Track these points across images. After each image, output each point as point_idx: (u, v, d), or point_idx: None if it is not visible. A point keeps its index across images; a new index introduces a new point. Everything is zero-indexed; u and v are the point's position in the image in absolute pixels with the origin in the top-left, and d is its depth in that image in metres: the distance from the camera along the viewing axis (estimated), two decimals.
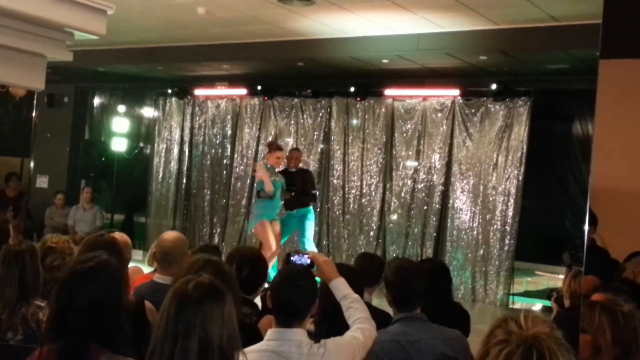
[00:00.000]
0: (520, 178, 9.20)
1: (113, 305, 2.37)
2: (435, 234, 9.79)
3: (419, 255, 9.63)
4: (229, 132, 11.59)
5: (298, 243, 8.89)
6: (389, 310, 3.45)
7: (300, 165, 9.28)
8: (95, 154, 11.97)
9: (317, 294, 2.77)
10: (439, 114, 9.86)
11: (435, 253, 9.66)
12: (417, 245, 9.89)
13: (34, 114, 8.33)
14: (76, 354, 2.27)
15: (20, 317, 3.26)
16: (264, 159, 9.24)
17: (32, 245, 3.57)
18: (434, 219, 9.79)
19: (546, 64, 8.80)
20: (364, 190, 10.34)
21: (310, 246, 8.70)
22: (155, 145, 12.24)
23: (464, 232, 9.54)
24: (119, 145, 11.76)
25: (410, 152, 10.08)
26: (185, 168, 11.98)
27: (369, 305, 3.28)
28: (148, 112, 12.83)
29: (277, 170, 8.63)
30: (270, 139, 10.90)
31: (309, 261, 2.99)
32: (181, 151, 12.00)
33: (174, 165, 12.04)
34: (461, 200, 9.60)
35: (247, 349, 2.33)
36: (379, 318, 3.13)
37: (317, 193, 9.65)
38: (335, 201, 10.55)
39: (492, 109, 9.50)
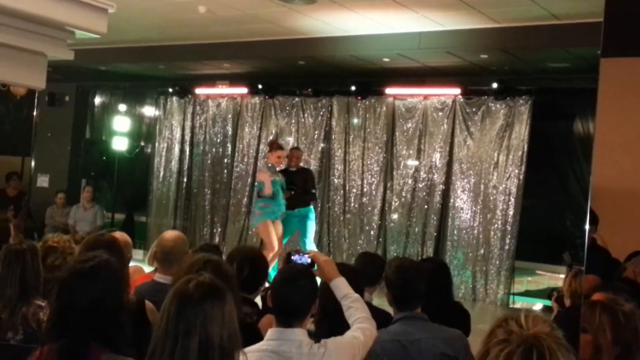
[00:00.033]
0: (521, 177, 9.19)
1: (113, 304, 2.37)
2: (435, 233, 9.78)
3: (420, 255, 9.63)
4: (230, 131, 11.58)
5: (299, 243, 8.90)
6: (390, 309, 3.45)
7: (301, 164, 9.28)
8: (96, 153, 11.97)
9: (318, 293, 2.77)
10: (440, 113, 9.86)
11: (436, 252, 9.65)
12: (418, 245, 9.88)
13: (34, 113, 8.33)
14: (77, 353, 2.27)
15: (21, 316, 3.26)
16: (265, 158, 9.25)
17: (33, 244, 3.57)
18: (435, 218, 9.78)
19: (547, 62, 8.79)
20: (365, 190, 10.34)
21: (311, 246, 8.71)
22: (156, 144, 12.24)
23: (464, 232, 9.53)
24: (119, 144, 11.76)
25: (411, 151, 10.07)
26: (186, 167, 11.98)
27: (369, 304, 3.28)
28: (149, 111, 12.83)
29: (277, 169, 8.64)
30: (271, 138, 10.89)
31: (309, 260, 2.99)
32: (182, 150, 12.00)
33: (174, 164, 12.04)
34: (462, 200, 9.60)
35: (247, 349, 2.33)
36: (380, 317, 3.13)
37: (317, 192, 9.64)
38: (335, 200, 10.54)
39: (493, 108, 9.49)
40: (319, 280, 2.92)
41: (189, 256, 3.46)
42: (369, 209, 10.28)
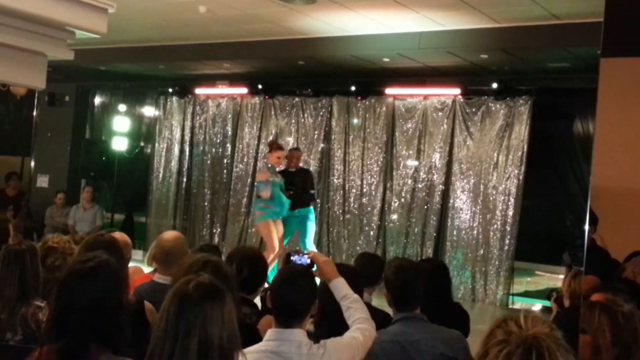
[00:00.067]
0: (521, 177, 9.19)
1: (113, 305, 2.37)
2: (435, 234, 9.78)
3: (419, 255, 9.63)
4: (230, 131, 11.58)
5: (299, 243, 8.90)
6: (389, 310, 3.45)
7: (301, 164, 9.28)
8: (96, 153, 11.97)
9: (317, 294, 2.77)
10: (440, 113, 9.86)
11: (435, 253, 9.65)
12: (417, 245, 9.88)
13: (34, 113, 8.34)
14: (76, 354, 2.27)
15: (20, 317, 3.26)
16: (265, 159, 9.25)
17: (32, 245, 3.57)
18: (434, 218, 9.78)
19: (547, 62, 8.79)
20: (364, 190, 10.33)
21: (311, 247, 8.70)
22: (156, 144, 12.24)
23: (464, 232, 9.53)
24: (119, 144, 11.77)
25: (410, 152, 10.07)
26: (185, 167, 11.98)
27: (368, 305, 3.28)
28: (149, 111, 12.83)
29: (277, 169, 8.64)
30: (270, 138, 10.89)
31: (308, 261, 2.99)
32: (182, 150, 12.00)
33: (174, 164, 12.04)
34: (461, 200, 9.60)
35: (246, 350, 2.33)
36: (379, 318, 3.13)
37: (315, 193, 9.63)
38: (335, 201, 10.54)
39: (493, 108, 9.49)
40: (318, 280, 2.92)
41: (188, 256, 3.46)
42: (369, 209, 10.28)
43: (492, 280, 9.32)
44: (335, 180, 10.59)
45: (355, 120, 10.58)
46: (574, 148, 9.87)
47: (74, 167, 12.60)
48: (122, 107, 12.54)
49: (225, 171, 11.58)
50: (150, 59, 10.76)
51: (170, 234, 4.10)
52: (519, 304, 9.35)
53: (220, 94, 11.71)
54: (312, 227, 8.91)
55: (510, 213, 9.21)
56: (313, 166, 10.54)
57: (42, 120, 10.78)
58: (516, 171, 9.22)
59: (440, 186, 9.76)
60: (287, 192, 8.57)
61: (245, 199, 11.24)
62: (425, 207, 9.87)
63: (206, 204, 11.67)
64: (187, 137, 11.96)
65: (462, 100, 9.71)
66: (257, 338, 2.80)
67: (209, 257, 3.03)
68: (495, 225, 9.30)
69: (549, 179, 10.15)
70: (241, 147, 11.43)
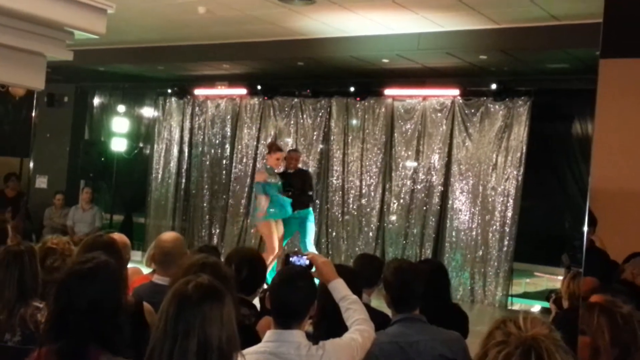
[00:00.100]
0: (520, 178, 9.19)
1: (112, 306, 2.37)
2: (434, 235, 9.78)
3: (418, 256, 9.63)
4: (229, 132, 11.58)
5: (300, 245, 8.90)
6: (388, 311, 3.45)
7: (300, 165, 9.28)
8: (95, 154, 11.97)
9: (316, 295, 2.77)
10: (439, 114, 9.86)
11: (434, 254, 9.65)
12: (416, 246, 9.88)
13: (33, 114, 8.34)
14: (75, 355, 2.27)
15: (19, 318, 3.25)
16: (264, 159, 9.24)
17: (31, 246, 3.56)
18: (433, 219, 9.78)
19: (546, 63, 8.79)
20: (364, 191, 10.33)
21: (311, 248, 8.69)
22: (155, 145, 12.23)
23: (463, 233, 9.53)
24: (118, 145, 11.77)
25: (409, 153, 10.08)
26: (184, 168, 11.97)
27: (367, 306, 3.28)
28: (148, 112, 12.83)
29: (276, 171, 8.64)
30: (269, 139, 10.89)
31: (307, 262, 2.99)
32: (180, 151, 12.00)
33: (173, 165, 12.04)
34: (460, 201, 9.60)
35: (245, 351, 2.33)
36: (378, 319, 3.13)
37: (314, 194, 9.63)
38: (334, 202, 10.54)
39: (492, 109, 9.49)
40: (317, 281, 2.92)
41: (187, 257, 3.46)
42: (368, 210, 10.28)
43: (491, 281, 9.32)
44: (334, 181, 10.58)
45: (354, 121, 10.58)
46: (572, 149, 9.87)
47: (73, 167, 12.60)
48: (121, 108, 12.54)
49: (224, 172, 11.58)
50: (149, 59, 10.76)
51: (169, 235, 4.09)
52: (518, 305, 9.35)
53: (220, 95, 11.71)
54: (311, 229, 8.90)
55: (509, 214, 9.21)
56: (312, 167, 10.54)
57: (41, 121, 10.78)
58: (515, 172, 9.22)
59: (439, 187, 9.76)
60: (285, 193, 8.57)
61: (244, 200, 11.24)
62: (424, 208, 9.87)
63: (205, 204, 11.67)
64: (186, 138, 11.96)
65: (461, 101, 9.71)
66: (256, 339, 2.80)
67: (207, 258, 3.03)
68: (494, 227, 9.30)
69: (548, 180, 10.15)
70: (240, 147, 11.43)
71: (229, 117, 11.59)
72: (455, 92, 9.72)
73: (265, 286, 3.74)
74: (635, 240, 3.32)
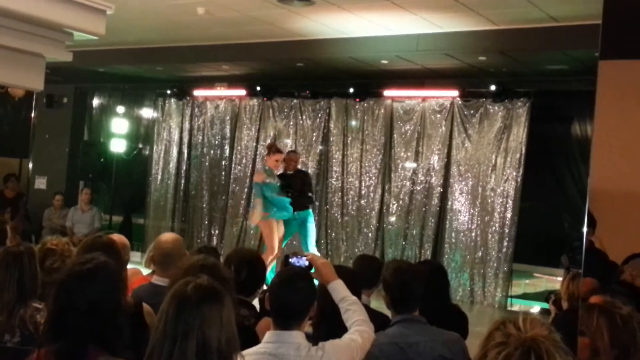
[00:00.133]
0: (519, 179, 9.19)
1: (111, 307, 2.36)
2: (433, 236, 9.78)
3: (418, 257, 9.63)
4: (228, 133, 11.58)
5: (301, 246, 8.89)
6: (387, 312, 3.45)
7: (299, 166, 9.27)
8: (94, 155, 11.97)
9: (316, 296, 2.77)
10: (438, 115, 9.86)
11: (434, 255, 9.64)
12: (416, 247, 9.88)
13: (32, 115, 8.32)
14: (74, 356, 2.27)
15: (18, 319, 3.25)
16: (263, 160, 9.24)
17: (31, 246, 3.55)
18: (433, 220, 9.78)
19: (545, 64, 8.80)
20: (363, 192, 10.33)
21: (313, 250, 8.67)
22: (154, 146, 12.23)
23: (462, 234, 9.53)
24: (118, 146, 11.77)
25: (409, 154, 10.07)
26: (184, 169, 11.96)
27: (367, 307, 3.28)
28: (147, 113, 12.82)
29: (275, 172, 8.64)
30: (269, 140, 10.88)
31: (307, 263, 2.98)
32: (180, 152, 11.99)
33: (172, 166, 12.03)
34: (460, 202, 9.60)
35: (245, 352, 2.33)
36: (377, 320, 3.12)
37: (314, 196, 9.61)
38: (333, 202, 10.54)
39: (491, 110, 9.49)
40: (316, 282, 2.92)
41: (186, 258, 3.46)
42: (367, 211, 10.28)
43: (491, 282, 9.32)
44: (333, 182, 10.58)
45: (353, 122, 10.58)
46: (572, 150, 9.87)
47: (72, 168, 12.59)
48: (120, 109, 12.54)
49: (223, 173, 11.58)
50: (148, 60, 10.76)
51: (168, 236, 4.09)
52: (517, 306, 9.35)
53: (219, 96, 11.71)
54: (312, 230, 8.88)
55: (509, 215, 9.21)
56: (311, 168, 10.53)
57: (40, 122, 10.75)
58: (514, 173, 9.23)
59: (439, 188, 9.76)
60: (284, 194, 8.57)
61: (243, 201, 11.24)
62: (424, 209, 9.87)
63: (204, 205, 11.66)
64: (185, 139, 11.95)
65: (460, 102, 9.72)
66: (256, 340, 2.80)
67: (207, 259, 3.03)
68: (494, 228, 9.30)
69: (547, 181, 10.16)
70: (239, 148, 11.42)
71: (228, 118, 11.59)
72: (455, 93, 9.72)
73: (264, 287, 3.75)
74: (635, 241, 3.32)
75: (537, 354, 1.61)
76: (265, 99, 11.22)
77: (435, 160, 9.81)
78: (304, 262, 2.99)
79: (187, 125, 11.94)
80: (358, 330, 2.78)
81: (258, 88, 11.19)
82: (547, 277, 10.01)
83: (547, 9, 7.07)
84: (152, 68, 11.21)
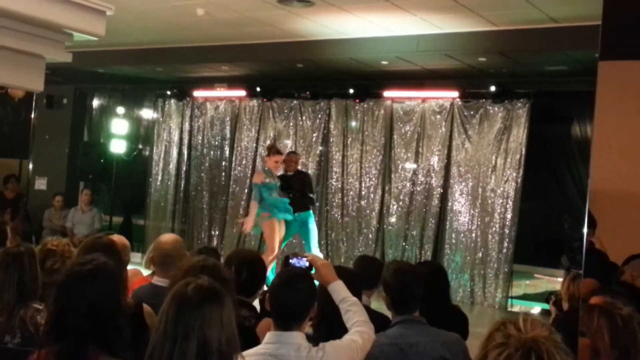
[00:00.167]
0: (519, 180, 9.19)
1: (111, 307, 2.37)
2: (433, 237, 9.78)
3: (418, 258, 9.63)
4: (228, 134, 11.58)
5: (303, 247, 8.89)
6: (388, 313, 3.45)
7: (299, 167, 9.27)
8: (94, 156, 11.96)
9: (316, 296, 2.77)
10: (438, 116, 9.86)
11: (434, 256, 9.64)
12: (416, 248, 9.88)
13: (32, 116, 8.32)
14: (74, 356, 2.27)
15: (19, 320, 3.25)
16: (263, 161, 9.24)
17: (31, 247, 3.55)
18: (433, 221, 9.78)
19: (545, 65, 8.80)
20: (363, 193, 10.33)
21: (316, 251, 8.65)
22: (154, 147, 12.23)
23: (462, 235, 9.53)
24: (118, 147, 11.76)
25: (409, 154, 10.07)
26: (184, 170, 11.96)
27: (367, 308, 3.28)
28: (147, 113, 12.82)
29: (274, 173, 8.63)
30: (269, 141, 10.88)
31: (307, 264, 2.98)
32: (180, 153, 11.99)
33: (172, 167, 12.03)
34: (460, 203, 9.60)
35: (245, 353, 2.33)
36: (378, 321, 3.12)
37: (314, 197, 9.61)
38: (334, 203, 10.54)
39: (491, 111, 9.49)
40: (317, 283, 2.92)
41: (187, 259, 3.46)
42: (367, 212, 10.28)
43: (491, 283, 9.31)
44: (333, 183, 10.58)
45: (353, 123, 10.58)
46: (572, 151, 9.88)
47: (72, 169, 12.58)
48: (120, 110, 12.54)
49: (223, 174, 11.57)
50: (148, 61, 10.76)
51: (168, 237, 4.09)
52: (517, 306, 9.35)
53: (219, 97, 11.71)
54: (314, 230, 8.86)
55: (509, 216, 9.21)
56: (311, 169, 10.53)
57: (40, 123, 10.74)
58: (514, 174, 9.23)
59: (439, 189, 9.76)
60: (285, 194, 8.56)
61: (243, 202, 11.23)
62: (424, 210, 9.87)
63: (204, 206, 11.66)
64: (185, 140, 11.95)
65: (460, 103, 9.72)
66: (256, 341, 2.80)
67: (207, 260, 3.03)
68: (494, 228, 9.30)
69: (547, 182, 10.16)
70: (239, 149, 11.42)
71: (228, 119, 11.59)
72: (455, 94, 9.72)
73: (265, 288, 3.75)
74: (635, 242, 3.32)
75: (538, 354, 1.61)
76: (265, 99, 11.22)
77: (435, 161, 9.81)
78: (304, 262, 2.99)
79: (187, 126, 11.93)
80: (358, 331, 2.78)
81: (258, 89, 11.19)
82: (548, 278, 10.01)
83: (547, 9, 7.07)
84: (152, 69, 11.21)
